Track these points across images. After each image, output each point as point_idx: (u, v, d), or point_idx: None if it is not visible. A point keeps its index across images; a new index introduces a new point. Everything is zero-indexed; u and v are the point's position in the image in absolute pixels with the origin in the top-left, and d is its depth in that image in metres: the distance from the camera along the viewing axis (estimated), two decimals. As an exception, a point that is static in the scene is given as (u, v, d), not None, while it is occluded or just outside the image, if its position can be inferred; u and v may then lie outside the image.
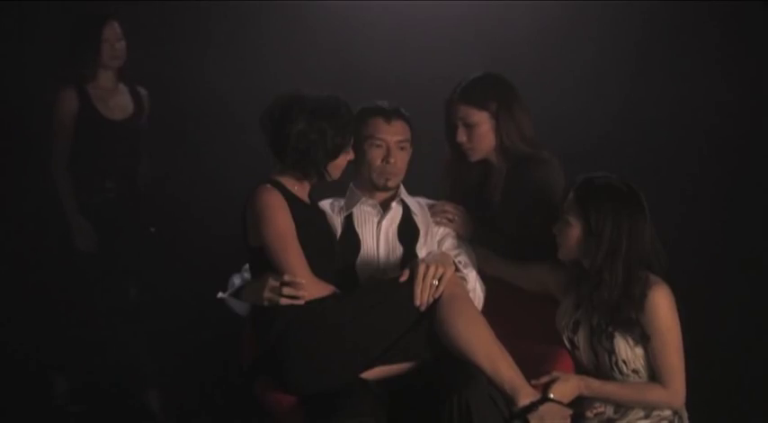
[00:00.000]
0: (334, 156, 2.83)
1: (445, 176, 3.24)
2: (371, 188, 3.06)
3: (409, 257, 2.97)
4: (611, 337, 2.76)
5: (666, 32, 4.12)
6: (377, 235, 3.04)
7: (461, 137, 3.08)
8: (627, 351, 2.76)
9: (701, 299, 3.51)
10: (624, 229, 2.71)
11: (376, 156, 3.00)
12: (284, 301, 2.68)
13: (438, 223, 3.13)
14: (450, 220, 3.13)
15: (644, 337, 2.72)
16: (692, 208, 4.00)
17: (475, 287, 2.97)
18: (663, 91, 4.12)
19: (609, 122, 4.05)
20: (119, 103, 3.99)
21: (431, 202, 3.19)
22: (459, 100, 3.07)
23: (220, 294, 2.89)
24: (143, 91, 4.06)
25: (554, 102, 3.87)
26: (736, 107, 4.02)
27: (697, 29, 4.07)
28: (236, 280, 2.94)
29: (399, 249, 3.03)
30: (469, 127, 3.07)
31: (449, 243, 3.09)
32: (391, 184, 3.04)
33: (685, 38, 4.09)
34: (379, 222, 3.05)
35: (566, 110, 3.98)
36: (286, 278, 2.69)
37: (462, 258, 3.01)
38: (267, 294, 2.70)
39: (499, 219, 3.12)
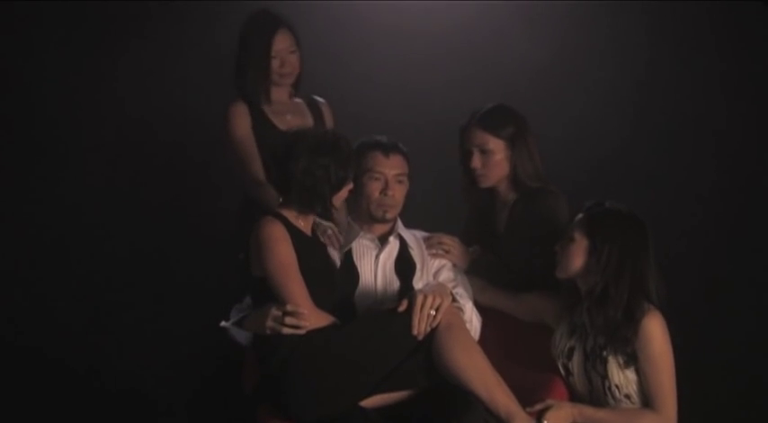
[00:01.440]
0: (339, 188, 2.89)
1: (465, 202, 3.30)
2: (370, 220, 3.10)
3: (406, 290, 3.00)
4: (604, 362, 2.81)
5: (673, 63, 4.14)
6: (375, 268, 3.08)
7: (476, 162, 3.14)
8: (619, 376, 2.81)
9: (696, 326, 3.56)
10: (630, 252, 2.77)
11: (374, 188, 3.05)
12: (286, 331, 2.73)
13: (434, 255, 3.17)
14: (446, 252, 3.16)
15: (635, 359, 2.77)
16: (697, 234, 4.02)
17: (471, 318, 3.00)
18: (666, 123, 4.15)
19: (607, 158, 4.09)
20: (297, 114, 3.54)
21: (426, 234, 3.23)
22: (476, 126, 3.14)
23: (223, 323, 2.92)
24: (321, 101, 3.62)
25: (555, 136, 3.88)
26: (746, 135, 4.05)
27: (708, 52, 4.08)
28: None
29: (396, 283, 3.07)
30: (485, 153, 3.14)
31: (445, 275, 3.13)
32: (389, 216, 3.08)
33: (693, 66, 4.10)
34: (377, 256, 3.09)
35: (565, 144, 4.01)
36: (288, 308, 2.74)
37: (459, 290, 3.05)
38: (269, 323, 2.75)
39: (501, 248, 3.17)
